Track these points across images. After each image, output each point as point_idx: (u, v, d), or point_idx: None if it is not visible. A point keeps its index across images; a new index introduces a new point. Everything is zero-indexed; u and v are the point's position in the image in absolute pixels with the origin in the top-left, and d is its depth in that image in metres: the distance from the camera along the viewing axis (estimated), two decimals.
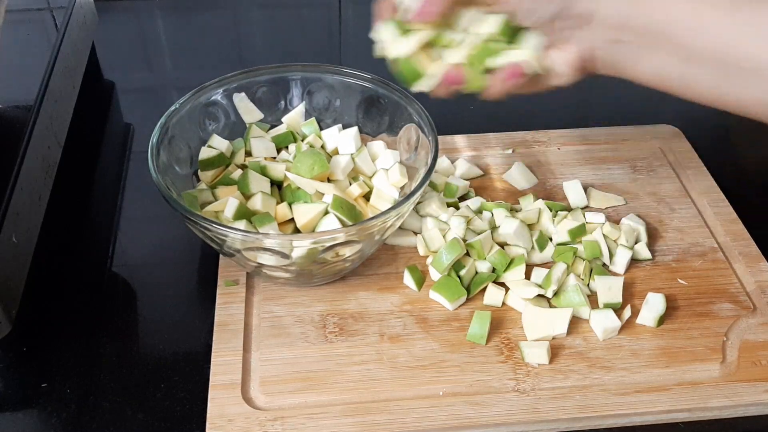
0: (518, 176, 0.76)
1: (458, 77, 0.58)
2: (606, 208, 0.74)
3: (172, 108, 0.66)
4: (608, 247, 0.68)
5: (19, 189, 0.61)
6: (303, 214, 0.63)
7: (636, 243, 0.70)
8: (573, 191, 0.74)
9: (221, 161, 0.68)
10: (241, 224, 0.61)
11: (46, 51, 0.75)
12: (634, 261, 0.69)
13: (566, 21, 0.54)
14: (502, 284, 0.66)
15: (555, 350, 0.61)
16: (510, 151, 0.80)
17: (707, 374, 0.60)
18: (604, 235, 0.68)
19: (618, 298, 0.64)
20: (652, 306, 0.64)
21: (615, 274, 0.67)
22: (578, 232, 0.68)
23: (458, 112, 0.88)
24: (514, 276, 0.65)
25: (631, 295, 0.66)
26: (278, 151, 0.71)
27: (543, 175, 0.78)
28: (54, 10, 0.83)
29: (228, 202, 0.62)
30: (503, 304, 0.65)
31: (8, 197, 0.59)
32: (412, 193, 0.60)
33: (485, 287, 0.65)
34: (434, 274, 0.66)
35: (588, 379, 0.60)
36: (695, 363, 0.61)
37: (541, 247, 0.67)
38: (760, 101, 0.53)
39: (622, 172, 0.78)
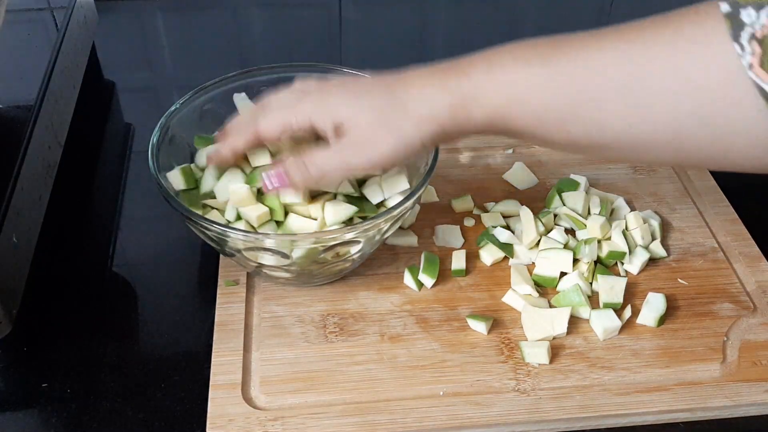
0: (518, 176, 0.76)
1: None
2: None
3: (173, 108, 0.66)
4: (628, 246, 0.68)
5: (19, 189, 0.61)
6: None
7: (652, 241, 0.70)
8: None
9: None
10: (242, 224, 0.61)
11: (46, 51, 0.75)
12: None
13: None
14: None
15: (555, 350, 0.61)
16: (510, 151, 0.80)
17: (707, 374, 0.60)
18: (623, 232, 0.69)
19: (619, 299, 0.64)
20: (653, 306, 0.64)
21: (618, 275, 0.67)
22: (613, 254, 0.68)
23: None
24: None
25: (631, 295, 0.66)
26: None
27: (543, 175, 0.78)
28: (54, 10, 0.83)
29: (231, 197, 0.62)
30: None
31: (8, 197, 0.59)
32: (413, 193, 0.60)
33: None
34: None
35: (588, 379, 0.60)
36: (695, 363, 0.61)
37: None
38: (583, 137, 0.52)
39: (622, 172, 0.78)
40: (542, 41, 0.52)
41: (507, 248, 0.68)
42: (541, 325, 0.62)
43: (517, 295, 0.64)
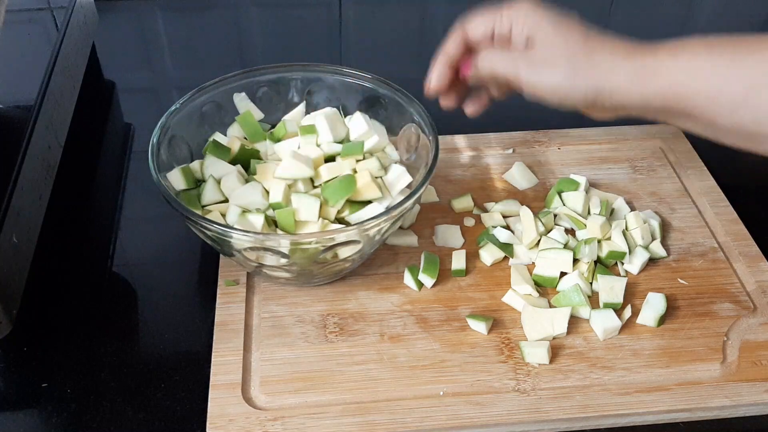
0: (518, 176, 0.76)
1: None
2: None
3: (173, 108, 0.66)
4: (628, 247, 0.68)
5: (20, 189, 0.61)
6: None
7: (652, 241, 0.70)
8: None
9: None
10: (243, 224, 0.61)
11: (46, 51, 0.75)
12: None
13: (588, 109, 0.59)
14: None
15: (555, 350, 0.61)
16: (510, 151, 0.80)
17: (707, 374, 0.60)
18: (623, 232, 0.69)
19: (619, 299, 0.64)
20: (653, 306, 0.64)
21: (618, 275, 0.67)
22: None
23: (458, 112, 0.88)
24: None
25: (631, 295, 0.66)
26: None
27: (543, 175, 0.78)
28: (54, 10, 0.83)
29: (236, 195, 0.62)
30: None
31: (8, 197, 0.59)
32: (413, 193, 0.60)
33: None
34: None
35: (588, 379, 0.60)
36: (696, 363, 0.61)
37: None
38: None
39: (622, 172, 0.78)
40: (720, 38, 0.55)
41: (507, 248, 0.68)
42: (541, 324, 0.62)
43: (517, 295, 0.64)
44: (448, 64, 0.63)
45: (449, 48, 0.63)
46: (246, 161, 0.67)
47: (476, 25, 0.62)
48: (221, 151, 0.67)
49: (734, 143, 0.56)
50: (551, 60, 0.58)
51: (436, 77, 0.64)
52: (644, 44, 0.57)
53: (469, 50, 0.63)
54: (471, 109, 0.67)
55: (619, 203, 0.73)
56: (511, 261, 0.69)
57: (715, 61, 0.54)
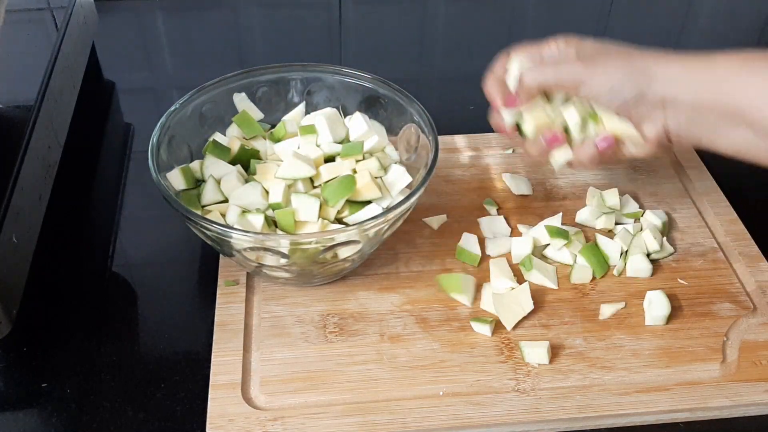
0: (514, 186, 0.76)
1: (559, 138, 0.65)
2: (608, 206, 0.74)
3: (172, 108, 0.66)
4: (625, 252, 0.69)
5: (19, 189, 0.61)
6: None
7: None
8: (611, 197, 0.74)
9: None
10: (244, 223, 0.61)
11: (46, 51, 0.75)
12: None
13: (643, 105, 0.59)
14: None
15: (555, 350, 0.61)
16: (510, 151, 0.80)
17: (707, 374, 0.60)
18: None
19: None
20: (658, 304, 0.64)
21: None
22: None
23: (458, 112, 0.88)
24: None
25: (631, 294, 0.66)
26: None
27: (543, 175, 0.78)
28: (54, 10, 0.83)
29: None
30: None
31: (8, 197, 0.59)
32: (413, 193, 0.60)
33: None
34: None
35: (588, 379, 0.60)
36: (695, 363, 0.61)
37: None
38: None
39: (622, 171, 0.78)
40: None
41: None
42: (511, 308, 0.63)
43: (489, 298, 0.65)
44: (498, 82, 0.66)
45: (498, 70, 0.66)
46: (246, 161, 0.67)
47: (524, 50, 0.64)
48: (221, 151, 0.67)
49: None
50: (606, 60, 0.60)
51: (491, 92, 0.66)
52: (699, 56, 0.58)
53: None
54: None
55: (626, 199, 0.74)
56: (488, 251, 0.69)
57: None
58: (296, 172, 0.63)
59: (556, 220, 0.71)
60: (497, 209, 0.74)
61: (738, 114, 0.56)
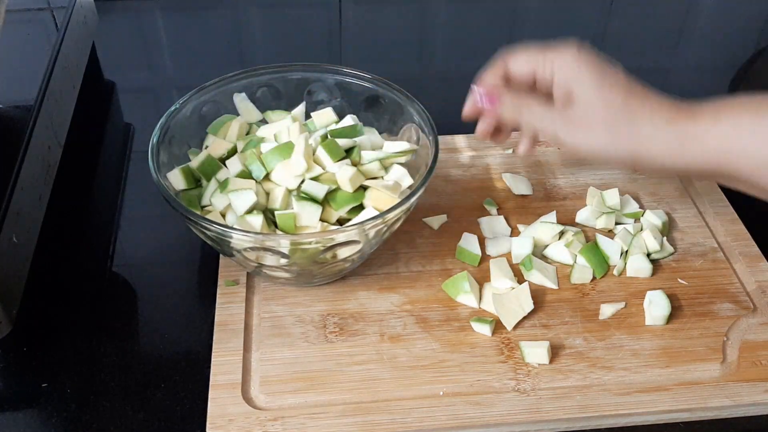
0: (513, 185, 0.76)
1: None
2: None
3: (172, 108, 0.66)
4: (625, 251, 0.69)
5: (19, 189, 0.61)
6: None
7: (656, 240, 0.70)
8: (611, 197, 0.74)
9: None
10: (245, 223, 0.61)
11: (46, 51, 0.75)
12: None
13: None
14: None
15: (555, 350, 0.61)
16: (510, 151, 0.80)
17: (707, 374, 0.60)
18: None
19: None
20: (658, 304, 0.64)
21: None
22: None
23: (458, 112, 0.88)
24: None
25: (631, 294, 0.66)
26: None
27: (543, 175, 0.78)
28: (54, 10, 0.83)
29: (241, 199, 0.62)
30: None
31: (8, 197, 0.59)
32: (413, 193, 0.60)
33: None
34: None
35: (588, 379, 0.60)
36: (695, 363, 0.61)
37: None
38: None
39: (622, 172, 0.78)
40: (762, 97, 0.53)
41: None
42: (511, 308, 0.63)
43: (489, 298, 0.65)
44: (487, 90, 0.63)
45: (488, 78, 0.63)
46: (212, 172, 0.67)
47: (520, 64, 0.62)
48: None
49: None
50: (590, 123, 0.57)
51: (470, 103, 0.64)
52: (686, 106, 0.55)
53: (506, 81, 0.63)
54: (496, 140, 0.68)
55: (626, 199, 0.74)
56: (489, 251, 0.69)
57: (759, 125, 0.52)
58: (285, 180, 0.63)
59: (551, 218, 0.71)
60: (497, 209, 0.74)
61: (732, 177, 0.55)
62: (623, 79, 0.57)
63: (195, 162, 0.66)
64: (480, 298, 0.65)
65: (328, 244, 0.58)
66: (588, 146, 0.58)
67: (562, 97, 0.59)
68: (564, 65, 0.58)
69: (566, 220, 0.72)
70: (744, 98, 0.54)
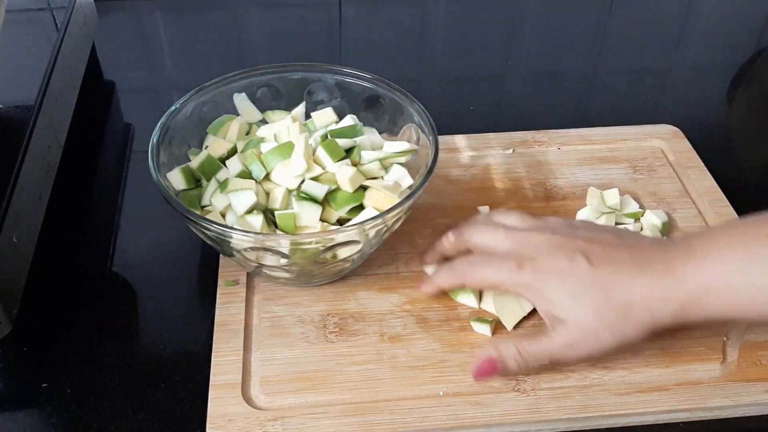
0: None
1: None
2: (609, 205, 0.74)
3: (172, 108, 0.66)
4: None
5: (19, 189, 0.61)
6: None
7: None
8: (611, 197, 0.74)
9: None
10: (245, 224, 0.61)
11: (46, 51, 0.75)
12: None
13: None
14: None
15: None
16: (510, 151, 0.81)
17: (707, 374, 0.60)
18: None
19: None
20: None
21: None
22: None
23: (458, 112, 0.88)
24: None
25: None
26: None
27: (543, 175, 0.78)
28: (54, 10, 0.83)
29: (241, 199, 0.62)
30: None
31: (8, 197, 0.59)
32: (413, 193, 0.60)
33: None
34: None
35: (588, 379, 0.60)
36: (695, 363, 0.61)
37: None
38: None
39: (622, 172, 0.78)
40: (733, 236, 0.54)
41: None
42: (511, 308, 0.63)
43: (489, 298, 0.64)
44: (439, 257, 0.66)
45: (444, 248, 0.65)
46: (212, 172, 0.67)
47: (478, 239, 0.62)
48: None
49: None
50: (591, 337, 0.55)
51: (428, 265, 0.67)
52: (665, 258, 0.54)
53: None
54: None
55: (626, 199, 0.74)
56: None
57: (742, 274, 0.52)
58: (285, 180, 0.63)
59: None
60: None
61: (728, 319, 0.56)
62: (587, 274, 0.55)
63: (195, 162, 0.66)
64: (480, 298, 0.65)
65: (328, 244, 0.58)
66: (601, 350, 0.56)
67: (549, 322, 0.58)
68: (529, 288, 0.58)
69: None
70: (721, 230, 0.56)
